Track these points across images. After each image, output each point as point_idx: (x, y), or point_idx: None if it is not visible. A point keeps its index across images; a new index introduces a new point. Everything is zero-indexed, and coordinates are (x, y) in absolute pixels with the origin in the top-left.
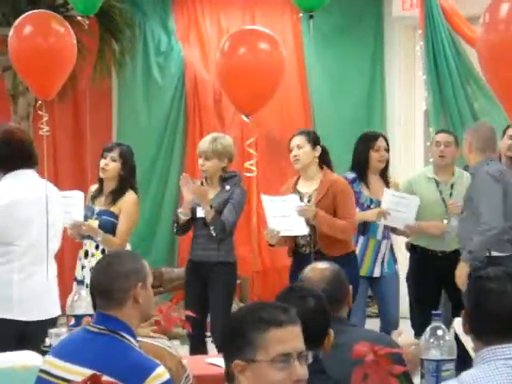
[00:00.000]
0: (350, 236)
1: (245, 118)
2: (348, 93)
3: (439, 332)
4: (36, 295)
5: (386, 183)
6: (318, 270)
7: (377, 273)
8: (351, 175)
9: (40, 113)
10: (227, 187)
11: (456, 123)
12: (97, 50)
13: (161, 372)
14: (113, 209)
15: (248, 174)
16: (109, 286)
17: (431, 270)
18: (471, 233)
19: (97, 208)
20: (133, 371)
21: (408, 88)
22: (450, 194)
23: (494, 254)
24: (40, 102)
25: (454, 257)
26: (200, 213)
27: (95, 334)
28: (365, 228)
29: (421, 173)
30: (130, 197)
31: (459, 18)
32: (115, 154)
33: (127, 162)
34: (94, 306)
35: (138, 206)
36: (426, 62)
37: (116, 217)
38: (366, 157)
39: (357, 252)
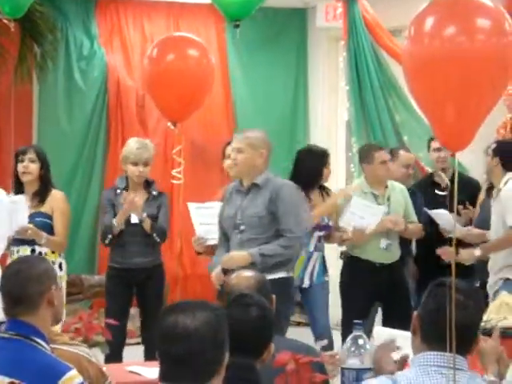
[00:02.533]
0: None
1: (171, 126)
2: (272, 103)
3: (360, 341)
4: None
5: (327, 195)
6: (244, 277)
7: (306, 283)
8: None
9: None
10: (154, 192)
11: (377, 134)
12: (18, 54)
13: (72, 375)
14: (43, 209)
15: (175, 182)
16: (22, 290)
17: (368, 282)
18: None
19: None
20: (43, 374)
21: (331, 98)
22: (388, 206)
23: None
24: None
25: (392, 268)
26: (134, 219)
27: (6, 340)
28: None
29: (356, 186)
30: (58, 194)
31: (382, 30)
32: (32, 155)
33: (45, 161)
34: (7, 313)
35: (68, 202)
36: (348, 73)
37: (49, 217)
38: (319, 172)
39: None
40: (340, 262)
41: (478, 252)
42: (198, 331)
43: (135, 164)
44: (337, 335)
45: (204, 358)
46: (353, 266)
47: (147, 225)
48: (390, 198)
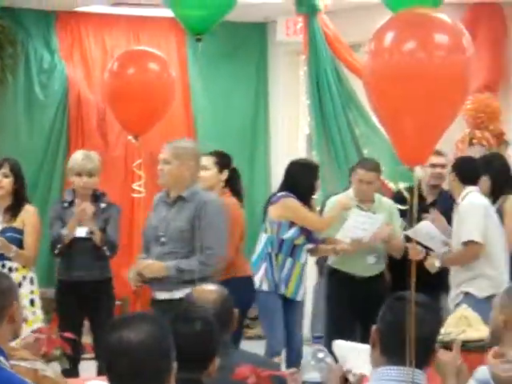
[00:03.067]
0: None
1: (132, 139)
2: (232, 116)
3: (320, 354)
4: None
5: (310, 207)
6: (206, 292)
7: (300, 297)
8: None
9: None
10: (102, 205)
11: (338, 148)
12: None
13: None
14: (15, 224)
15: (136, 196)
16: None
17: (349, 295)
18: None
19: None
20: None
21: (292, 112)
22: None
23: None
24: None
25: (372, 282)
26: (80, 233)
27: None
28: (293, 250)
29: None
30: (30, 209)
31: (341, 44)
32: (6, 169)
33: (19, 175)
34: None
35: (39, 217)
36: (309, 87)
37: (20, 232)
38: (313, 186)
39: (283, 274)
40: (312, 276)
41: (437, 263)
42: (142, 344)
43: (79, 175)
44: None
45: (150, 369)
46: (337, 279)
47: (97, 238)
48: (376, 212)
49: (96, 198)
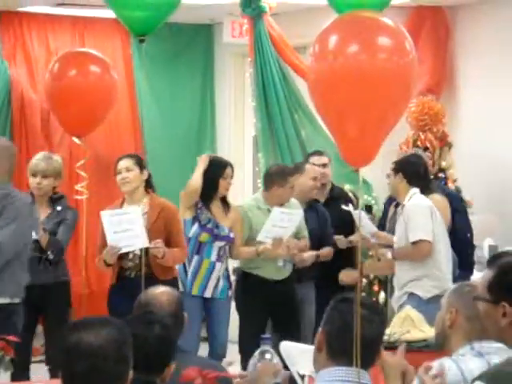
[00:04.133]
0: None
1: (76, 140)
2: (179, 118)
3: (267, 356)
4: None
5: (227, 208)
6: (158, 294)
7: (208, 293)
8: None
9: None
10: (58, 208)
11: (284, 149)
12: None
13: None
14: None
15: (78, 197)
16: None
17: (263, 297)
18: None
19: None
20: None
21: (238, 114)
22: None
23: None
24: None
25: (284, 284)
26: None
27: None
28: (199, 248)
29: (253, 202)
30: None
31: (287, 46)
32: None
33: None
34: None
35: None
36: (255, 89)
37: None
38: (215, 184)
39: (190, 271)
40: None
41: (389, 255)
42: (101, 348)
43: (34, 175)
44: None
45: (107, 374)
46: (247, 282)
47: (43, 241)
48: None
49: (53, 200)
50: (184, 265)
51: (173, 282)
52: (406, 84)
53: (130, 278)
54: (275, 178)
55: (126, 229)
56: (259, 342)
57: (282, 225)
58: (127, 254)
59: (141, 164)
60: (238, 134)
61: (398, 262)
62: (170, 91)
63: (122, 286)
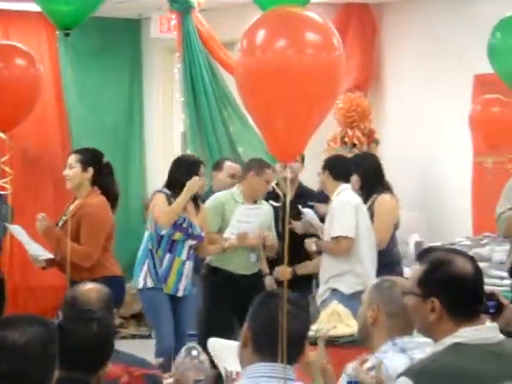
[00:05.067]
0: (89, 262)
1: (0, 134)
2: (106, 113)
3: (194, 352)
4: None
5: (198, 207)
6: (88, 290)
7: (181, 292)
8: (167, 191)
9: None
10: None
11: (212, 145)
12: None
13: None
14: None
15: (2, 193)
16: None
17: (230, 292)
18: None
19: None
20: None
21: (166, 109)
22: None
23: None
24: None
25: (253, 280)
26: None
27: None
28: (172, 247)
29: (229, 195)
30: None
31: (215, 42)
32: None
33: None
34: None
35: None
36: (183, 85)
37: None
38: (179, 181)
39: (162, 269)
40: None
41: (314, 247)
42: (27, 347)
43: None
44: None
45: (31, 375)
46: (214, 277)
47: None
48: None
49: None
50: (154, 261)
51: (106, 282)
52: (333, 80)
53: None
54: (253, 165)
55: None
56: (193, 337)
57: (248, 220)
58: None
59: (85, 161)
60: (166, 130)
61: (322, 258)
62: (98, 86)
63: None
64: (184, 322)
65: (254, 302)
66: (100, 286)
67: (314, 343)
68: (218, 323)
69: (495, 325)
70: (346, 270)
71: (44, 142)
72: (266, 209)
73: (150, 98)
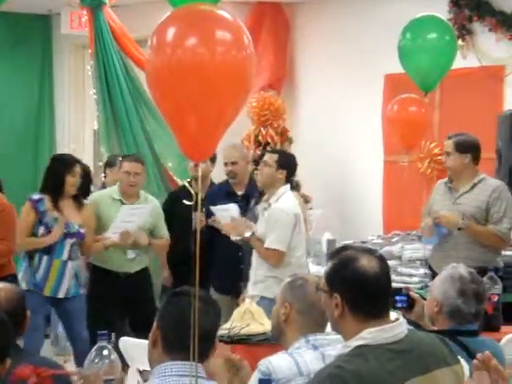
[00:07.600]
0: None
1: None
2: (16, 110)
3: (105, 352)
4: None
5: (80, 206)
6: None
7: (61, 294)
8: (37, 196)
9: None
10: None
11: (130, 143)
12: None
13: None
14: None
15: None
16: None
17: (112, 291)
18: None
19: None
20: None
21: (78, 106)
22: None
23: None
24: None
25: (137, 278)
26: None
27: None
28: (50, 248)
29: (105, 194)
30: None
31: (128, 39)
32: None
33: None
34: None
35: None
36: (96, 82)
37: None
38: (61, 180)
39: (39, 272)
40: None
41: (248, 234)
42: None
43: None
44: None
45: None
46: (97, 276)
47: None
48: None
49: None
50: (29, 264)
51: (12, 280)
52: (244, 78)
53: None
54: (114, 161)
55: None
56: (104, 337)
57: (130, 219)
58: None
59: None
60: (77, 127)
61: (253, 257)
62: (6, 82)
63: None
64: (75, 324)
65: (162, 301)
66: (11, 286)
67: (228, 341)
68: (103, 322)
69: (401, 321)
70: (277, 276)
71: None
72: (148, 207)
73: (60, 94)
